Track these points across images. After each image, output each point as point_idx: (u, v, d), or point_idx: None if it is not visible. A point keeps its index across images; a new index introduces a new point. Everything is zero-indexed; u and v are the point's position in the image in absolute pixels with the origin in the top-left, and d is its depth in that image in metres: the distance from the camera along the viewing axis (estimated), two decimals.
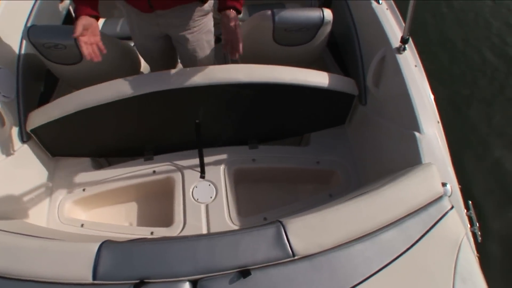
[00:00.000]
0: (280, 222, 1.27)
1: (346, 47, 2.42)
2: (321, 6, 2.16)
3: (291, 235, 1.22)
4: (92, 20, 1.67)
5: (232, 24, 1.73)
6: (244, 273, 1.14)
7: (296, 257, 1.19)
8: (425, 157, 1.61)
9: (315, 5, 2.91)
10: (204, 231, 1.92)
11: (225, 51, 1.78)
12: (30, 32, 1.93)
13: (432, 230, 1.29)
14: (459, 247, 1.28)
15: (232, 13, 1.74)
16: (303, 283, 1.15)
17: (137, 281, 1.14)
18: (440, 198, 1.39)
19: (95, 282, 1.16)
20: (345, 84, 2.10)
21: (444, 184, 1.45)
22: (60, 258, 1.21)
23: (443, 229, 1.31)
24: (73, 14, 2.86)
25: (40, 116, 1.96)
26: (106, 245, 1.23)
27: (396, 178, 1.45)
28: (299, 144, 2.44)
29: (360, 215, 1.31)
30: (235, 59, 1.77)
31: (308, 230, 1.25)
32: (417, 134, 1.67)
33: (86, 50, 1.62)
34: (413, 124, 1.71)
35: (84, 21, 1.63)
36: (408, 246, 1.25)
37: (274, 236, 1.22)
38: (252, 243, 1.21)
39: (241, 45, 1.73)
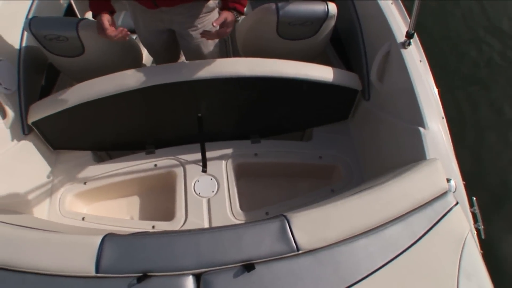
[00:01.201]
0: (285, 216, 1.26)
1: (349, 42, 2.41)
2: (324, 0, 2.14)
3: (295, 229, 1.22)
4: (110, 15, 1.74)
5: (227, 27, 1.75)
6: (248, 267, 1.13)
7: (300, 252, 1.18)
8: (430, 153, 1.60)
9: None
10: (206, 225, 1.91)
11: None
12: (31, 24, 1.91)
13: (437, 226, 1.29)
14: (464, 243, 1.27)
15: (230, 15, 1.74)
16: (307, 278, 1.14)
17: (140, 274, 1.13)
18: (444, 193, 1.38)
19: (98, 275, 1.15)
20: (349, 79, 2.09)
21: (448, 180, 1.45)
22: (63, 251, 1.21)
23: (447, 225, 1.30)
24: (74, 7, 2.84)
25: (42, 109, 1.95)
26: (109, 238, 1.23)
27: (400, 173, 1.44)
28: (301, 139, 2.43)
29: (364, 210, 1.30)
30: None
31: (312, 225, 1.24)
32: (421, 129, 1.66)
33: (117, 38, 1.71)
34: (418, 119, 1.70)
35: (107, 17, 1.72)
36: (412, 242, 1.24)
37: (279, 230, 1.22)
38: (256, 237, 1.21)
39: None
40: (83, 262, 1.17)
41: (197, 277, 1.15)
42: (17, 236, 1.28)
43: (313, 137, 2.27)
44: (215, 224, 1.92)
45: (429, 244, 1.25)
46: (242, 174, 2.14)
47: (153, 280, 1.13)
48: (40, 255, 1.19)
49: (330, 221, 1.26)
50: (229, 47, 2.90)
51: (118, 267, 1.16)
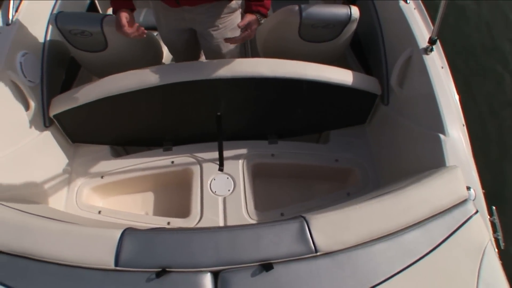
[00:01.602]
0: (303, 217, 1.26)
1: (369, 46, 2.40)
2: (345, 3, 2.14)
3: (314, 231, 1.22)
4: (129, 13, 1.76)
5: (251, 29, 1.76)
6: (267, 266, 1.14)
7: (318, 253, 1.18)
8: (449, 160, 1.59)
9: (339, 3, 2.89)
10: (221, 224, 1.92)
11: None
12: (58, 19, 1.94)
13: (456, 234, 1.28)
14: (484, 252, 1.26)
15: (253, 18, 1.76)
16: (324, 280, 1.14)
17: (159, 269, 1.14)
18: (464, 201, 1.37)
19: (117, 268, 1.16)
20: (368, 83, 2.08)
21: (468, 188, 1.43)
22: (83, 243, 1.22)
23: (467, 233, 1.29)
24: (97, 4, 2.87)
25: (64, 102, 1.98)
26: (129, 232, 1.24)
27: (420, 179, 1.44)
28: (317, 141, 2.43)
29: (383, 214, 1.29)
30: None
31: (331, 227, 1.24)
32: (441, 136, 1.65)
33: (134, 36, 1.75)
34: (438, 126, 1.69)
35: (126, 14, 1.73)
36: (431, 248, 1.23)
37: (297, 231, 1.22)
38: (274, 237, 1.21)
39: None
40: (102, 255, 1.18)
41: (215, 275, 1.15)
42: (38, 226, 1.30)
43: (330, 140, 2.26)
44: (230, 223, 1.92)
45: (448, 252, 1.24)
46: (258, 174, 2.15)
47: (171, 276, 1.14)
48: (60, 246, 1.21)
49: (349, 224, 1.26)
50: (247, 47, 2.91)
51: (138, 261, 1.17)
